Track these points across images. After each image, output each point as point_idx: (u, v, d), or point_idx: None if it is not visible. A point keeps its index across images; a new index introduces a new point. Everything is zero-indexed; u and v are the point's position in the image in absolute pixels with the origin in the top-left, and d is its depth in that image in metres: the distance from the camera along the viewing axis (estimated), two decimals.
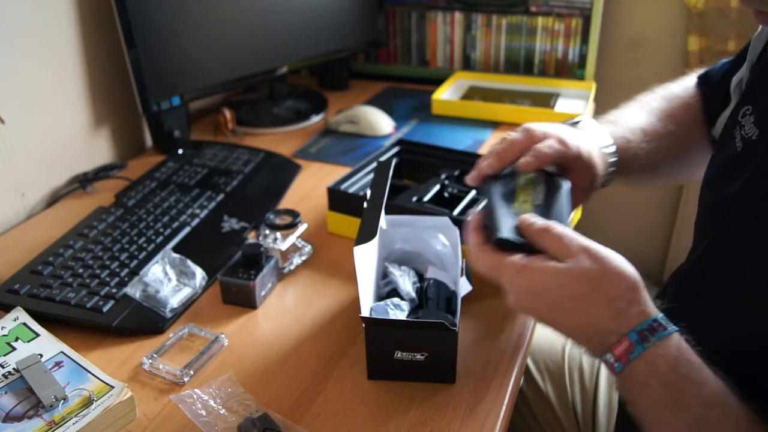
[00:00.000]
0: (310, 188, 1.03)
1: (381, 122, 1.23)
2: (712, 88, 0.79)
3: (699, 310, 0.58)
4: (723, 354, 0.53)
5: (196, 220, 0.90)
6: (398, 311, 0.65)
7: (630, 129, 0.77)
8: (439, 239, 0.73)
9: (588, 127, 0.76)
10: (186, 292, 0.74)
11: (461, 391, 0.62)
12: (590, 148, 0.70)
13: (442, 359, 0.62)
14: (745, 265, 0.52)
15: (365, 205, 0.70)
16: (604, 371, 0.88)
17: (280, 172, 1.07)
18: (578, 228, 0.69)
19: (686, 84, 0.84)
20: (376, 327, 0.62)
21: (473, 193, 0.84)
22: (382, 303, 0.65)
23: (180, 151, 1.12)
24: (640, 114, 0.81)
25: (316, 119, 1.31)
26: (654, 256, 1.72)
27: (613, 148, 0.74)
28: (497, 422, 0.59)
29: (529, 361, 0.92)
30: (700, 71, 0.84)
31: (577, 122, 0.76)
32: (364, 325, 0.62)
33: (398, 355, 0.62)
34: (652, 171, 0.80)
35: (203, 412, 0.59)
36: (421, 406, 0.61)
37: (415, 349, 0.61)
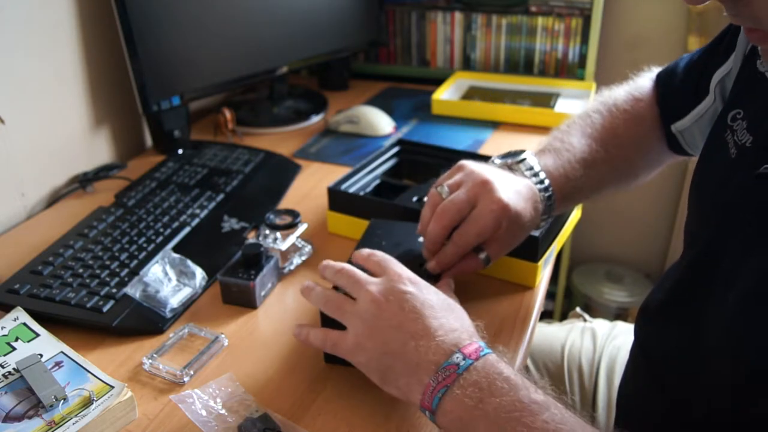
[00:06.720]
0: (310, 188, 1.03)
1: (381, 122, 1.23)
2: (674, 86, 0.78)
3: (693, 313, 0.58)
4: (719, 356, 0.53)
5: (196, 220, 0.90)
6: None
7: (570, 162, 0.74)
8: None
9: (528, 169, 0.71)
10: (186, 292, 0.74)
11: None
12: (518, 211, 0.67)
13: None
14: (739, 268, 0.51)
15: None
16: (603, 372, 0.88)
17: (280, 172, 1.07)
18: (579, 229, 0.69)
19: (633, 92, 0.81)
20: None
21: None
22: None
23: (180, 151, 1.12)
24: (581, 140, 0.77)
25: (316, 119, 1.31)
26: (654, 256, 1.72)
27: (549, 191, 0.71)
28: None
29: (529, 362, 0.92)
30: (657, 70, 0.82)
31: (520, 160, 0.72)
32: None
33: None
34: (595, 195, 0.79)
35: (203, 412, 0.59)
36: None
37: None
